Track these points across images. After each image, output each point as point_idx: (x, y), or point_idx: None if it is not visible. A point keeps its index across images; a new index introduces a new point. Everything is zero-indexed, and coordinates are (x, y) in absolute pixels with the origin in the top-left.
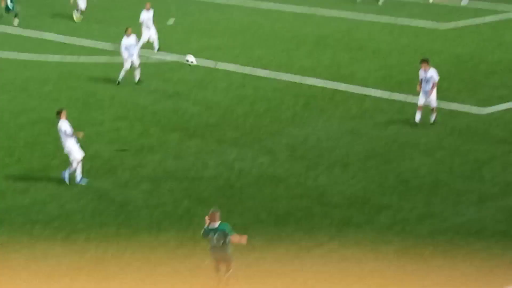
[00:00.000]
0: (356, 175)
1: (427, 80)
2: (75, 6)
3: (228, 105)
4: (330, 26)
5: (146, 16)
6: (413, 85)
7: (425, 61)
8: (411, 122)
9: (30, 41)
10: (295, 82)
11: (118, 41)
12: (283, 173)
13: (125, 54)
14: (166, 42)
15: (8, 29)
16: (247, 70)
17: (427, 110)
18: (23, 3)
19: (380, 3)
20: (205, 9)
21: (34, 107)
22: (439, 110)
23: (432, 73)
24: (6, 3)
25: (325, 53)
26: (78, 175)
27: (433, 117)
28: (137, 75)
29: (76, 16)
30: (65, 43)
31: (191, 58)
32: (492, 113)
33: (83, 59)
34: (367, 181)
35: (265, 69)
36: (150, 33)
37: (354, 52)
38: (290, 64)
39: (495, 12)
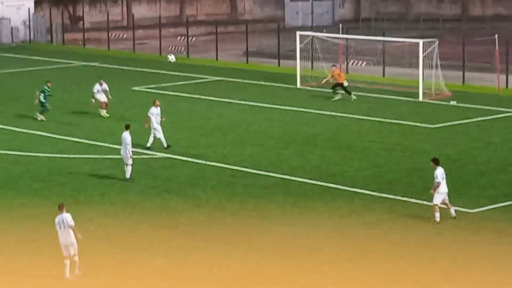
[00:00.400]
0: (346, 274)
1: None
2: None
3: (217, 202)
4: (319, 124)
5: (155, 112)
6: (401, 185)
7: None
8: (399, 221)
9: (21, 136)
10: (285, 180)
11: (114, 136)
12: (271, 271)
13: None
14: (156, 139)
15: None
16: (237, 168)
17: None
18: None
19: (352, 100)
20: (195, 106)
21: (23, 203)
22: (427, 209)
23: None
24: (39, 98)
25: (314, 152)
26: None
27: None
28: (128, 172)
29: (103, 113)
30: (56, 139)
31: (171, 57)
32: (480, 212)
33: (73, 155)
34: (356, 281)
35: (254, 167)
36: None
37: (343, 151)
38: (280, 162)
39: (483, 112)
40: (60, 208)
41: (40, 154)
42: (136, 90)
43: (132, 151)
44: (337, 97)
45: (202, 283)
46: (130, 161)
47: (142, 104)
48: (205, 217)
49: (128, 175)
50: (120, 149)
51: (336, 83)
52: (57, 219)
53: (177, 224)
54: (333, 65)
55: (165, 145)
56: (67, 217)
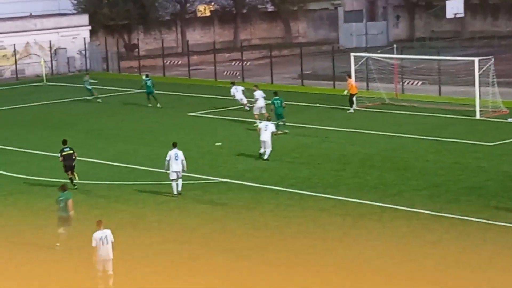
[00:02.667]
0: None
1: None
2: None
3: (276, 225)
4: (376, 145)
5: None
6: (460, 204)
7: None
8: (459, 241)
9: (79, 164)
10: (343, 202)
11: (162, 161)
12: None
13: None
14: (213, 163)
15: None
16: (294, 190)
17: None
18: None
19: (351, 111)
20: (250, 131)
21: (82, 231)
22: (489, 228)
23: None
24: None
25: (372, 173)
26: None
27: None
28: (180, 185)
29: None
30: (113, 166)
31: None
32: None
33: (131, 182)
34: None
35: (312, 189)
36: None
37: (400, 171)
38: (337, 184)
39: None
40: (98, 224)
41: (98, 182)
42: (191, 115)
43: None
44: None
45: None
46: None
47: (196, 129)
48: (263, 240)
49: (180, 188)
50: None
51: (351, 94)
52: (98, 235)
53: (235, 248)
54: (348, 75)
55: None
56: (109, 233)
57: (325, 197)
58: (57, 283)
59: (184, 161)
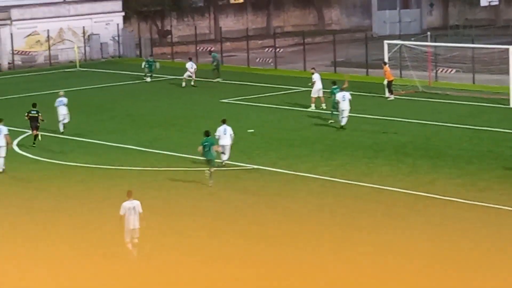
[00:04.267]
0: (440, 284)
1: None
2: None
3: (307, 213)
4: (409, 133)
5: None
6: (494, 192)
7: None
8: (493, 229)
9: (112, 150)
10: (375, 190)
11: (195, 148)
12: (364, 281)
13: None
14: (245, 150)
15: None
16: (327, 178)
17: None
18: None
19: (391, 98)
20: (283, 117)
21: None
22: None
23: None
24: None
25: (405, 161)
26: None
27: None
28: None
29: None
30: (146, 152)
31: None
32: None
33: (164, 167)
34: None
35: (344, 177)
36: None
37: (433, 159)
38: (370, 172)
39: None
40: (129, 194)
41: (131, 168)
42: (224, 102)
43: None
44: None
45: None
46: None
47: (230, 116)
48: (295, 227)
49: (225, 158)
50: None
51: (388, 82)
52: (127, 205)
53: (268, 235)
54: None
55: None
56: (138, 204)
57: (358, 184)
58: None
59: (233, 135)
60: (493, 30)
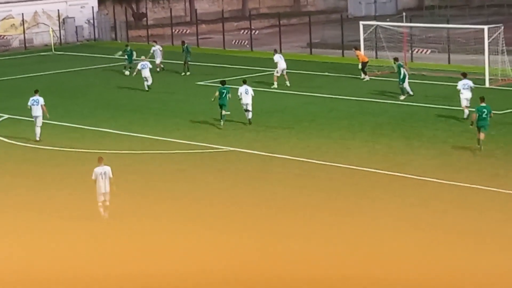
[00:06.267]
0: (417, 267)
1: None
2: None
3: (285, 195)
4: (385, 114)
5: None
6: (470, 172)
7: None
8: (470, 209)
9: (87, 134)
10: (352, 171)
11: (179, 132)
12: (342, 263)
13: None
14: (221, 133)
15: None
16: (304, 159)
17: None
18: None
19: (366, 78)
20: (260, 99)
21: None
22: (497, 196)
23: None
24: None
25: (381, 141)
26: None
27: None
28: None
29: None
30: (123, 135)
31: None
32: None
33: (141, 151)
34: (427, 272)
35: (321, 158)
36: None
37: (410, 140)
38: (346, 153)
39: None
40: (100, 160)
41: (107, 151)
42: (200, 84)
43: None
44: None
45: (269, 276)
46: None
47: (206, 98)
48: (272, 210)
49: (250, 117)
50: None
51: (363, 63)
52: (99, 170)
53: (245, 217)
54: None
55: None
56: (108, 169)
57: (335, 165)
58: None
59: (253, 94)
60: (468, 10)
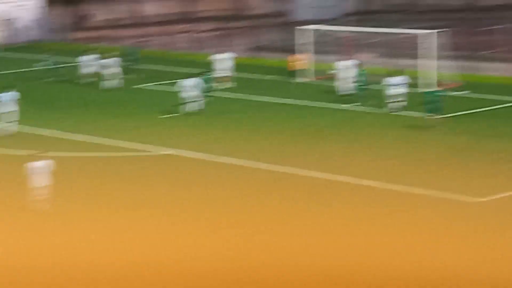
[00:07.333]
0: (355, 262)
1: None
2: None
3: (224, 199)
4: (326, 117)
5: None
6: (408, 176)
7: None
8: (406, 213)
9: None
10: (292, 174)
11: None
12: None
13: None
14: (162, 136)
15: None
16: (245, 163)
17: None
18: None
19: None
20: (210, 101)
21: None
22: (436, 199)
23: None
24: None
25: (321, 145)
26: None
27: None
28: None
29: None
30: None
31: None
32: (487, 202)
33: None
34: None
35: (261, 161)
36: None
37: (349, 143)
38: (287, 156)
39: (494, 101)
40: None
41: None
42: (141, 87)
43: None
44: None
45: None
46: None
47: (149, 100)
48: (212, 213)
49: None
50: None
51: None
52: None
53: (183, 221)
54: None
55: None
56: (46, 163)
57: (275, 169)
58: None
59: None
60: (412, 15)
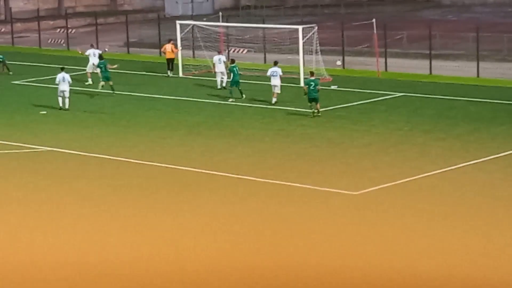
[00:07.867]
0: (237, 257)
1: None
2: None
3: (101, 194)
4: (203, 113)
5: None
6: (285, 170)
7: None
8: (286, 206)
9: None
10: (169, 169)
11: None
12: (164, 264)
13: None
14: (38, 132)
15: None
16: (121, 159)
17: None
18: None
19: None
20: (76, 99)
21: None
22: (310, 193)
23: None
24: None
25: (198, 140)
26: None
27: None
28: None
29: None
30: None
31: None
32: (363, 194)
33: None
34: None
35: (139, 157)
36: None
37: (227, 138)
38: (164, 152)
39: (364, 95)
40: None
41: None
42: (16, 83)
43: None
44: None
45: None
46: None
47: (22, 97)
48: (90, 210)
49: None
50: None
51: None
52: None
53: (62, 217)
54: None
55: None
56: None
57: (152, 164)
58: None
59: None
60: (283, 11)
